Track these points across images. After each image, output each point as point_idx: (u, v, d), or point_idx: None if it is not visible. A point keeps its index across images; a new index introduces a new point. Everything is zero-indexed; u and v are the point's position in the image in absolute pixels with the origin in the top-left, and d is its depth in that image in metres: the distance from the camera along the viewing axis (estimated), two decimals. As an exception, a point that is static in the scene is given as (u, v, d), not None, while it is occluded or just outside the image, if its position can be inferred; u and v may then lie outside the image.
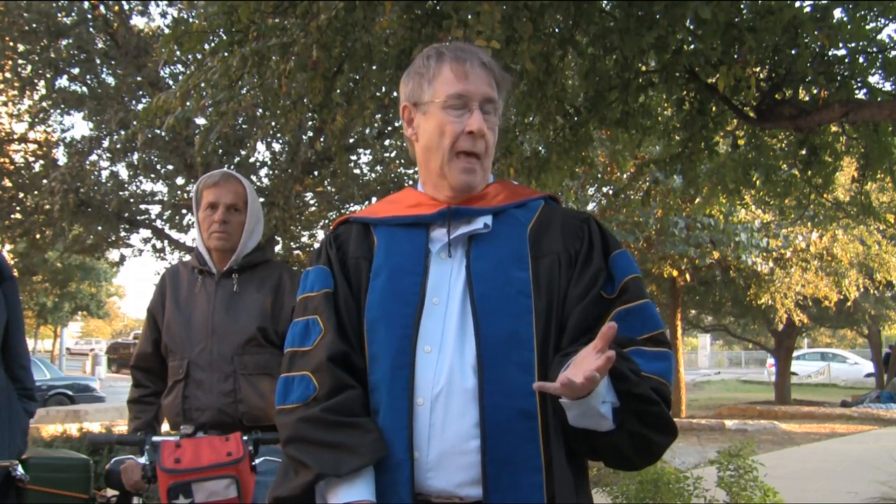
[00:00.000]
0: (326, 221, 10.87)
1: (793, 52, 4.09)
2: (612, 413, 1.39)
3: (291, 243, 10.84)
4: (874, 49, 4.25)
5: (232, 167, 8.71)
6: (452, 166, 1.51)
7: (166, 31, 8.05)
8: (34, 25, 8.21)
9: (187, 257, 2.99)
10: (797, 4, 4.01)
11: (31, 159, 9.85)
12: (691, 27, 3.95)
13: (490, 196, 1.57)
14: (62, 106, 9.07)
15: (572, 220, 1.57)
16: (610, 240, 1.56)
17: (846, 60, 4.22)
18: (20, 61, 8.70)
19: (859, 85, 4.27)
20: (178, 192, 9.55)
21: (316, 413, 1.44)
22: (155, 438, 2.52)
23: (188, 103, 4.10)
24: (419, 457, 1.41)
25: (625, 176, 9.37)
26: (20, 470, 2.49)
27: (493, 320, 1.44)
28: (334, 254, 1.58)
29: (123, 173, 9.74)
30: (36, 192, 8.90)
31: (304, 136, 8.91)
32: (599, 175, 9.71)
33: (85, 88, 8.99)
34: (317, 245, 10.97)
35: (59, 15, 8.36)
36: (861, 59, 4.20)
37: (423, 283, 1.49)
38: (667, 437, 1.44)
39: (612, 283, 1.51)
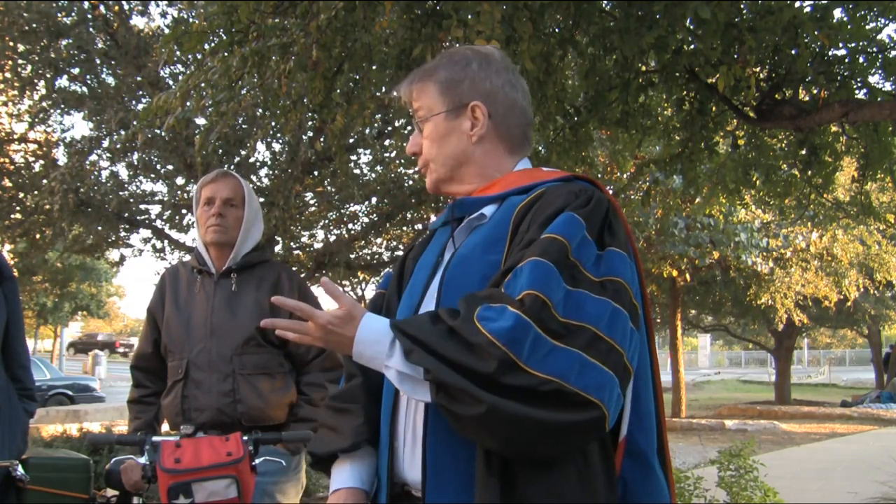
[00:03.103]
0: (326, 221, 10.87)
1: (793, 52, 4.09)
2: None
3: (291, 243, 10.84)
4: (874, 49, 4.26)
5: (232, 167, 8.70)
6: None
7: (166, 31, 8.06)
8: (34, 25, 8.20)
9: (187, 257, 3.00)
10: (797, 4, 4.01)
11: (31, 159, 9.83)
12: (691, 27, 3.95)
13: (502, 185, 1.53)
14: (62, 106, 9.05)
15: (553, 196, 1.42)
16: (567, 209, 1.38)
17: (846, 60, 4.22)
18: (20, 61, 8.69)
19: (859, 85, 4.27)
20: (178, 192, 9.54)
21: (328, 400, 1.61)
22: (155, 438, 2.52)
23: (188, 103, 4.10)
24: (397, 446, 1.44)
25: (625, 176, 9.37)
26: (20, 470, 2.49)
27: (451, 304, 1.39)
28: (403, 258, 1.69)
29: (123, 173, 9.73)
30: (36, 192, 8.89)
31: (304, 136, 8.90)
32: (599, 175, 9.69)
33: (85, 88, 8.98)
34: (317, 245, 11.00)
35: (59, 15, 8.34)
36: (861, 59, 4.20)
37: (429, 278, 1.52)
38: (468, 406, 1.22)
39: None
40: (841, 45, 4.15)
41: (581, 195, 1.41)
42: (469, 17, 3.50)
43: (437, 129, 1.55)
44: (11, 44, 8.34)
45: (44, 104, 9.04)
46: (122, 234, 10.44)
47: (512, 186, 1.51)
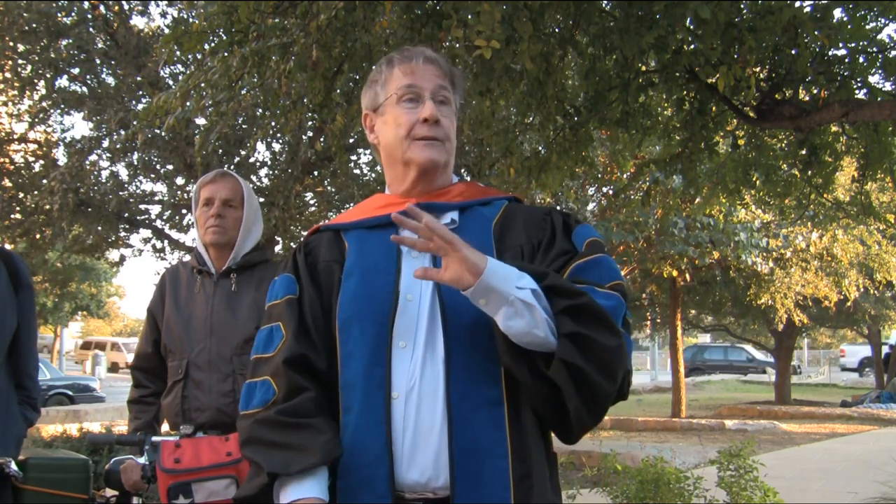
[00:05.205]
0: (326, 221, 10.87)
1: (793, 52, 4.08)
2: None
3: (291, 243, 10.83)
4: (874, 49, 4.25)
5: (232, 167, 8.71)
6: (413, 148, 1.56)
7: (166, 31, 8.06)
8: (34, 25, 8.20)
9: (187, 257, 3.00)
10: (797, 4, 4.00)
11: (31, 159, 9.84)
12: (691, 27, 3.95)
13: (455, 193, 1.61)
14: (62, 106, 9.06)
15: (534, 214, 1.61)
16: (571, 221, 1.60)
17: (846, 60, 4.22)
18: (20, 61, 8.70)
19: (859, 85, 4.27)
20: (178, 192, 9.55)
21: (270, 415, 1.47)
22: (155, 438, 2.52)
23: (188, 103, 4.10)
24: (395, 451, 1.43)
25: (625, 176, 9.38)
26: (13, 466, 2.47)
27: (460, 311, 1.45)
28: (302, 260, 1.61)
29: (123, 173, 9.75)
30: (36, 192, 8.90)
31: (304, 136, 8.91)
32: (599, 175, 9.72)
33: (85, 88, 8.98)
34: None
35: (59, 15, 8.35)
36: (861, 59, 4.20)
37: (396, 282, 1.51)
38: (611, 337, 1.38)
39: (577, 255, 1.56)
40: (841, 45, 4.14)
41: (563, 211, 1.65)
42: (469, 17, 3.49)
43: (452, 119, 1.62)
44: (11, 44, 8.34)
45: (44, 104, 9.04)
46: (122, 234, 10.45)
47: (469, 197, 1.62)
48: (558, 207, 1.67)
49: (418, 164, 1.56)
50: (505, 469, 1.41)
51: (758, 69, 4.34)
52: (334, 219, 1.77)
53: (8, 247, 11.08)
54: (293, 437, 1.44)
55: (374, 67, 1.70)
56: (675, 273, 13.15)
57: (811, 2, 4.20)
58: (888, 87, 4.49)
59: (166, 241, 10.42)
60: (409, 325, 1.48)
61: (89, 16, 8.39)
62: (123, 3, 8.56)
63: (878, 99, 4.09)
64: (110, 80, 8.97)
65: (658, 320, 20.09)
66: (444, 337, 1.45)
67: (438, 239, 1.36)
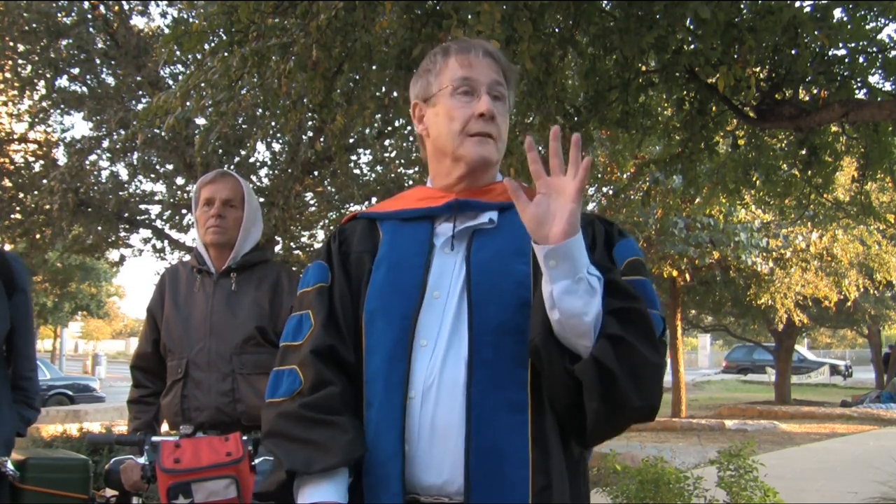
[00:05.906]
0: (326, 221, 10.88)
1: (793, 52, 4.09)
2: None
3: (291, 243, 10.85)
4: (874, 49, 4.26)
5: (232, 167, 8.71)
6: (466, 144, 1.51)
7: (166, 31, 8.06)
8: (34, 25, 8.21)
9: (187, 257, 3.00)
10: (797, 4, 4.01)
11: (31, 159, 9.85)
12: (691, 27, 3.95)
13: (498, 192, 1.55)
14: (62, 106, 9.06)
15: (584, 220, 1.53)
16: (614, 232, 1.54)
17: (846, 60, 4.22)
18: (20, 61, 8.70)
19: (859, 85, 4.27)
20: (178, 192, 9.56)
21: (295, 408, 1.43)
22: (154, 438, 2.51)
23: (188, 103, 4.10)
24: (409, 451, 1.39)
25: (625, 176, 9.37)
26: (9, 465, 2.47)
27: (487, 311, 1.41)
28: (336, 248, 1.57)
29: (123, 173, 9.76)
30: (36, 192, 8.90)
31: (304, 136, 8.91)
32: (599, 175, 9.70)
33: (85, 88, 8.99)
34: (318, 245, 11.02)
35: (59, 15, 8.36)
36: (861, 59, 4.21)
37: (424, 277, 1.47)
38: (654, 353, 1.33)
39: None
40: (841, 45, 4.15)
41: (606, 219, 1.58)
42: (469, 17, 3.50)
43: (506, 117, 1.57)
44: (11, 44, 8.34)
45: (44, 104, 9.05)
46: (122, 234, 10.46)
47: (510, 198, 1.53)
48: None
49: (469, 160, 1.51)
50: (525, 478, 1.35)
51: (758, 69, 4.35)
52: (372, 207, 1.72)
53: (8, 247, 11.11)
54: (316, 435, 1.40)
55: (429, 57, 1.60)
56: (675, 273, 13.16)
57: (811, 2, 4.21)
58: (888, 87, 4.49)
59: (166, 241, 10.43)
60: (433, 322, 1.44)
61: (89, 16, 8.39)
62: (123, 3, 8.56)
63: (878, 99, 4.10)
64: (110, 80, 8.98)
65: (658, 320, 20.02)
66: (470, 338, 1.40)
67: (580, 180, 1.33)
